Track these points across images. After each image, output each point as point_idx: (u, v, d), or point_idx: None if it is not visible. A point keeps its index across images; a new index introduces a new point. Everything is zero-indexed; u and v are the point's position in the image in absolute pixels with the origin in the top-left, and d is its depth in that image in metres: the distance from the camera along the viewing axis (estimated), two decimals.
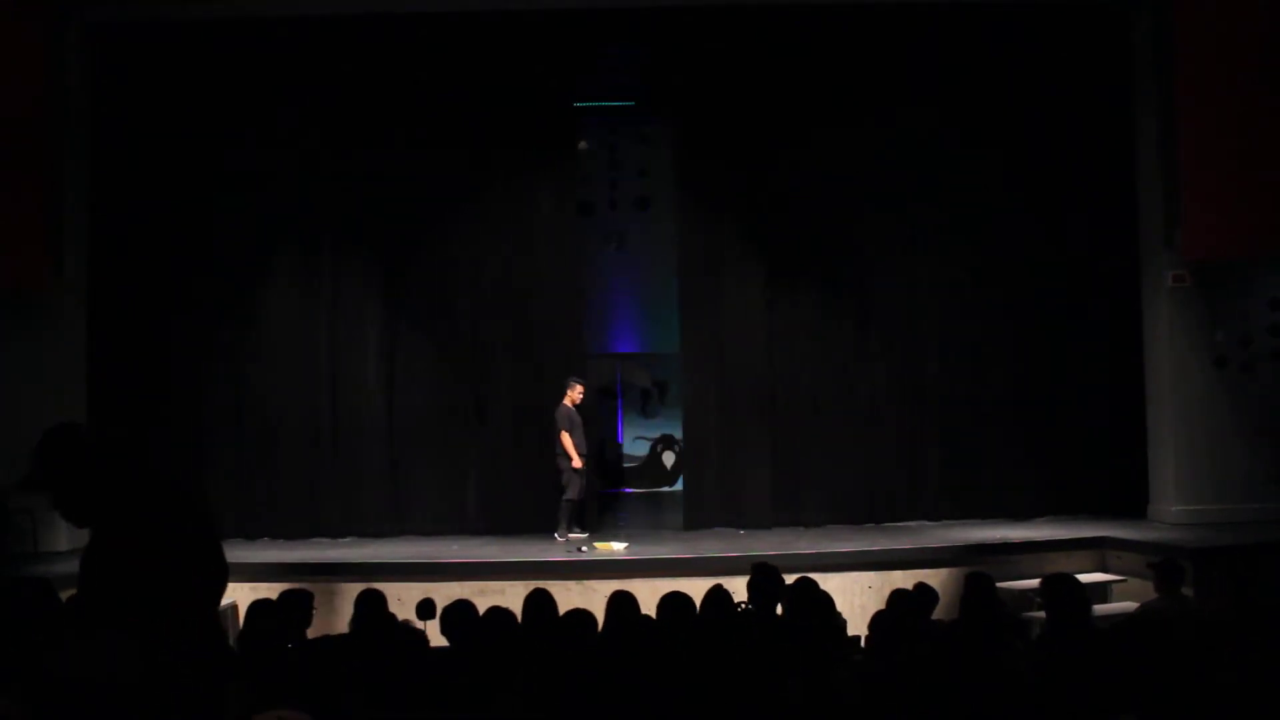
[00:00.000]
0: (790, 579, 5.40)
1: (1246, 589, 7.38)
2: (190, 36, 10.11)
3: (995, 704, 3.40)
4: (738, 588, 5.33)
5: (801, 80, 10.40)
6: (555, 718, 3.60)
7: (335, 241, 10.43)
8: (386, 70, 10.25)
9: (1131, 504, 10.03)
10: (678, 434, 14.82)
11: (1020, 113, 10.37)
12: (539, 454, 10.09)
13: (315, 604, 5.27)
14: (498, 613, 4.71)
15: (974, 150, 10.37)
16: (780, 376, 10.41)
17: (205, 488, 9.57)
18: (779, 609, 5.26)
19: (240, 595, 7.30)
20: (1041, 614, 5.47)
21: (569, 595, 7.61)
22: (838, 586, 7.20)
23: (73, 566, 3.07)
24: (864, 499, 10.32)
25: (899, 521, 10.18)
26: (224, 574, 3.06)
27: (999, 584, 6.02)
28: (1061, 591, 4.63)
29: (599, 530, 10.28)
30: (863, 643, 5.17)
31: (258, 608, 4.72)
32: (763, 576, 5.29)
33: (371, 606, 5.09)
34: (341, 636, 5.04)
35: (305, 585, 5.88)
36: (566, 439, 9.71)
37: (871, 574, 8.26)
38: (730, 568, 7.26)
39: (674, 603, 4.89)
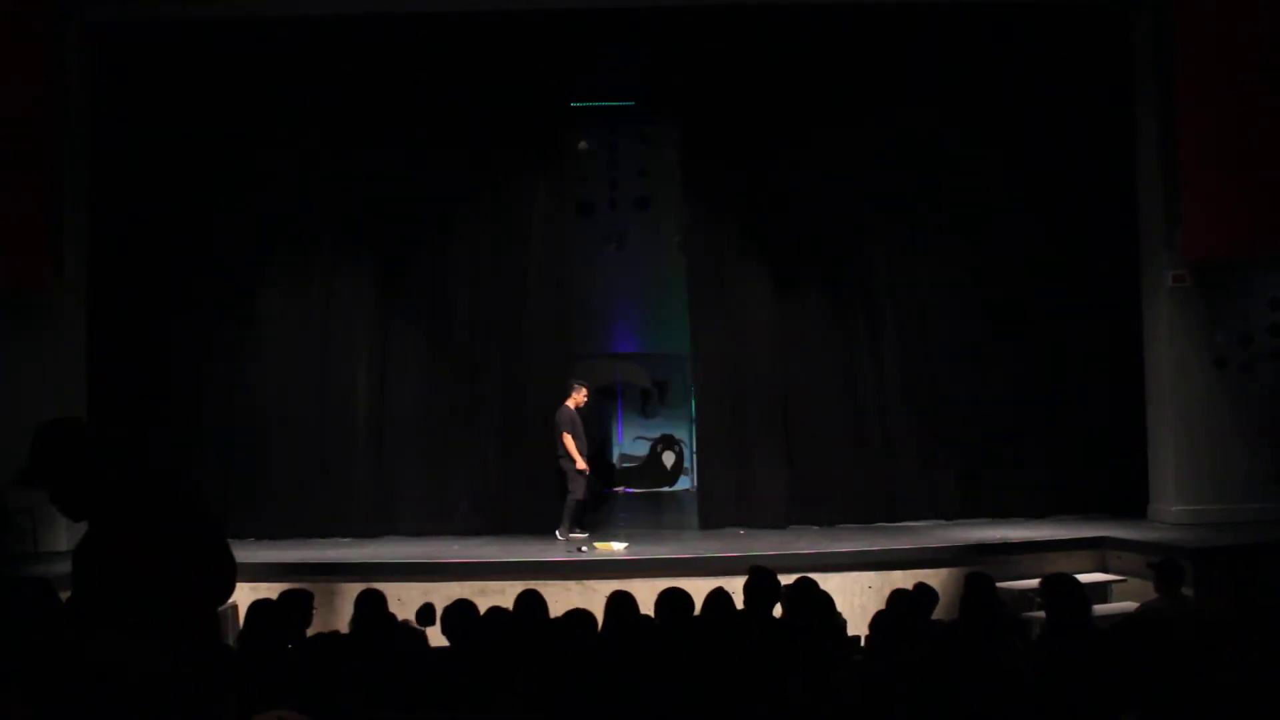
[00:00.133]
0: (790, 579, 5.40)
1: (1246, 589, 7.39)
2: (190, 36, 10.10)
3: (995, 704, 3.39)
4: (738, 588, 5.32)
5: (801, 80, 10.40)
6: (555, 718, 3.60)
7: (335, 241, 10.43)
8: (386, 70, 10.25)
9: (1131, 504, 10.03)
10: (678, 434, 14.86)
11: (1020, 113, 10.37)
12: (540, 454, 10.09)
13: (315, 604, 5.27)
14: (497, 613, 4.71)
15: (974, 150, 10.37)
16: (790, 376, 10.42)
17: (205, 488, 9.53)
18: (777, 610, 5.25)
19: (240, 595, 7.22)
20: (1041, 614, 5.47)
21: (569, 595, 7.61)
22: (838, 586, 7.20)
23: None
24: (870, 499, 10.31)
25: (912, 521, 10.17)
26: (231, 573, 3.03)
27: (999, 584, 6.02)
28: (1061, 591, 4.63)
29: (599, 530, 10.28)
30: (863, 643, 5.17)
31: (258, 608, 4.72)
32: (759, 580, 5.28)
33: (371, 606, 5.10)
34: (341, 636, 5.04)
35: (305, 585, 5.88)
36: (569, 440, 9.71)
37: (871, 574, 8.25)
38: (730, 568, 7.25)
39: (672, 599, 4.89)
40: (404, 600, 7.32)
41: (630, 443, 14.95)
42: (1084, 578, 7.10)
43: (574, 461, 9.72)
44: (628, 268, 13.82)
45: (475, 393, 10.41)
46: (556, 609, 5.10)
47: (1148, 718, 3.31)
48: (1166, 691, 3.39)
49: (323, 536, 9.92)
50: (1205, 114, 9.36)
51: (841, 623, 5.35)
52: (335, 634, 5.20)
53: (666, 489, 14.64)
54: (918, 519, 10.22)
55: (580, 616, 4.79)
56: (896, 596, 5.37)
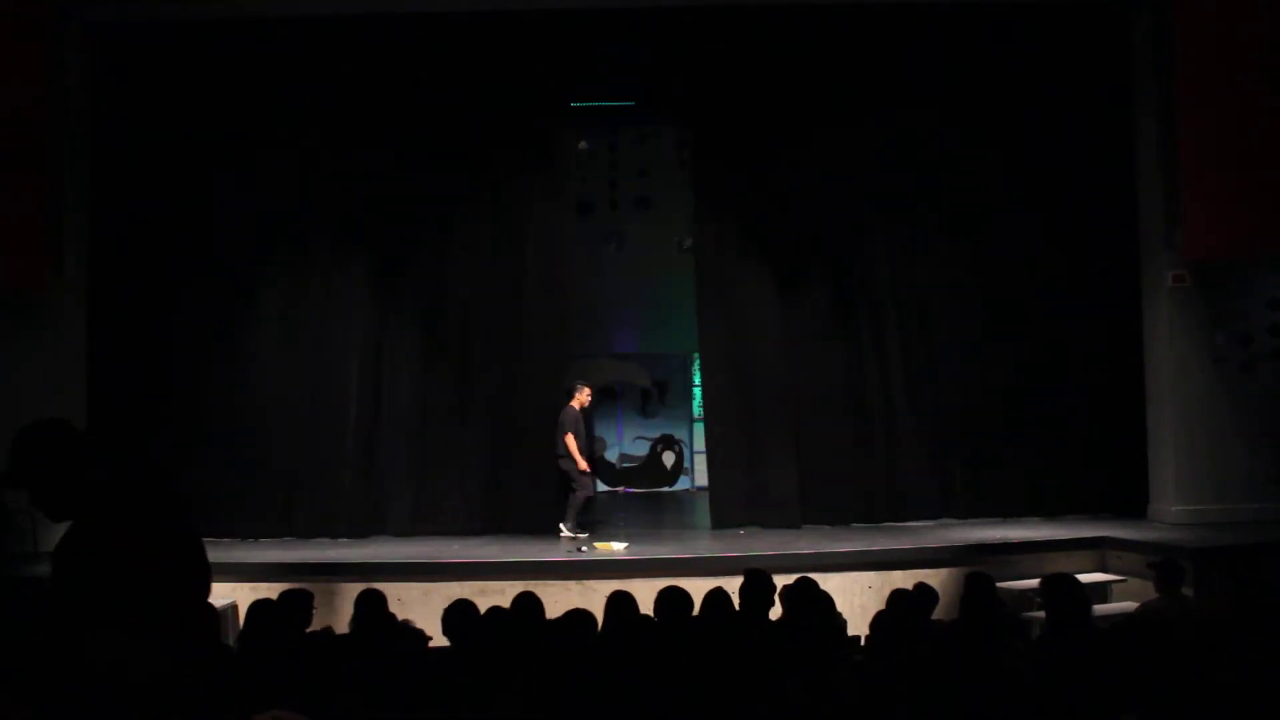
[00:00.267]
0: (790, 579, 5.39)
1: (1246, 589, 7.39)
2: (190, 36, 10.10)
3: (995, 704, 3.40)
4: (737, 588, 5.32)
5: (802, 80, 10.39)
6: (555, 718, 3.60)
7: (335, 240, 10.42)
8: (386, 70, 10.25)
9: (1131, 504, 10.03)
10: (678, 434, 14.87)
11: (1020, 113, 10.37)
12: (539, 454, 10.09)
13: (315, 604, 5.27)
14: (498, 613, 4.71)
15: (974, 150, 10.37)
16: (795, 375, 10.41)
17: (204, 487, 9.52)
18: (777, 611, 5.25)
19: (240, 595, 7.29)
20: (1041, 614, 5.46)
21: (569, 595, 7.61)
22: (838, 586, 7.20)
23: None
24: (875, 498, 10.32)
25: (917, 521, 10.16)
26: (205, 575, 3.01)
27: (999, 584, 6.02)
28: (1061, 591, 4.63)
29: (598, 530, 10.28)
30: (863, 643, 5.17)
31: (258, 608, 4.72)
32: (754, 583, 5.28)
33: (371, 606, 5.09)
34: (341, 636, 5.04)
35: (305, 585, 5.88)
36: (571, 441, 9.71)
37: (871, 574, 8.25)
38: (730, 568, 7.25)
39: (671, 599, 4.89)
40: (404, 600, 7.32)
41: (630, 443, 14.95)
42: (1084, 578, 7.09)
43: (575, 462, 9.73)
44: (628, 268, 13.83)
45: (474, 393, 10.40)
46: (556, 609, 5.09)
47: (1148, 718, 3.31)
48: (1166, 691, 3.39)
49: (322, 536, 9.92)
50: (1205, 114, 9.36)
51: (841, 623, 5.35)
52: (335, 634, 5.19)
53: (666, 489, 14.65)
54: (923, 519, 10.22)
55: (580, 616, 4.79)
56: (896, 596, 5.37)
